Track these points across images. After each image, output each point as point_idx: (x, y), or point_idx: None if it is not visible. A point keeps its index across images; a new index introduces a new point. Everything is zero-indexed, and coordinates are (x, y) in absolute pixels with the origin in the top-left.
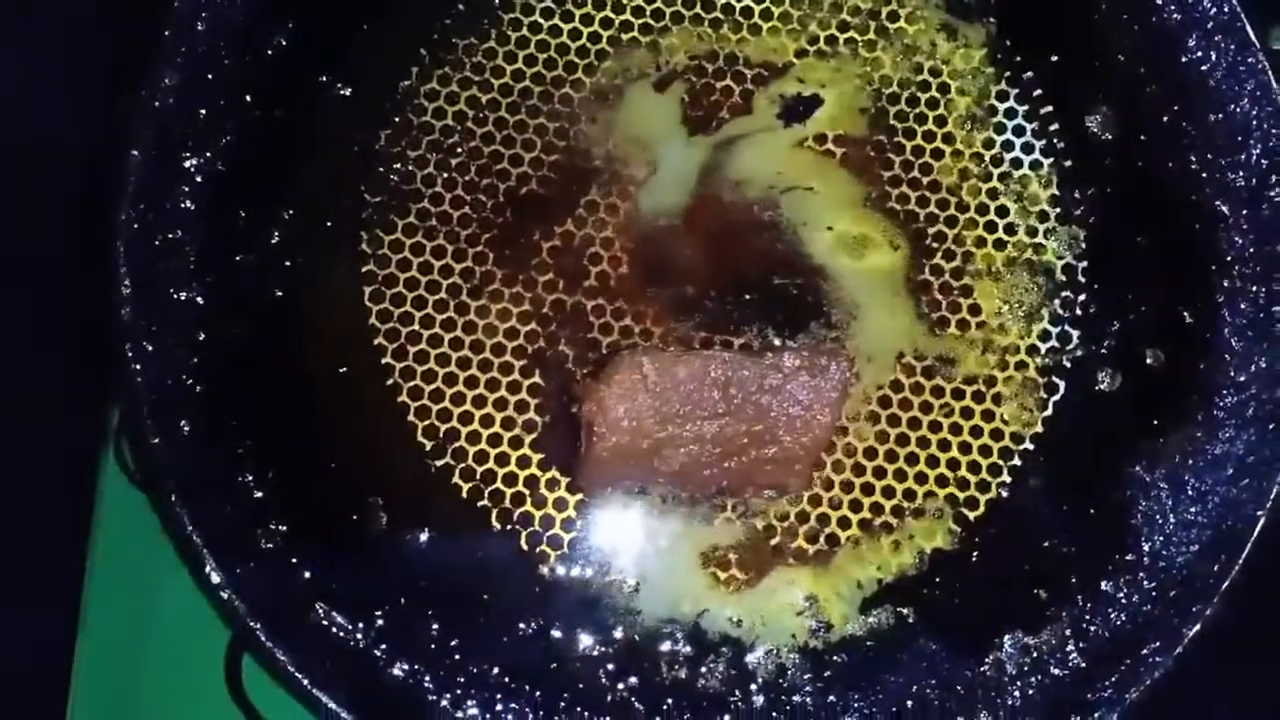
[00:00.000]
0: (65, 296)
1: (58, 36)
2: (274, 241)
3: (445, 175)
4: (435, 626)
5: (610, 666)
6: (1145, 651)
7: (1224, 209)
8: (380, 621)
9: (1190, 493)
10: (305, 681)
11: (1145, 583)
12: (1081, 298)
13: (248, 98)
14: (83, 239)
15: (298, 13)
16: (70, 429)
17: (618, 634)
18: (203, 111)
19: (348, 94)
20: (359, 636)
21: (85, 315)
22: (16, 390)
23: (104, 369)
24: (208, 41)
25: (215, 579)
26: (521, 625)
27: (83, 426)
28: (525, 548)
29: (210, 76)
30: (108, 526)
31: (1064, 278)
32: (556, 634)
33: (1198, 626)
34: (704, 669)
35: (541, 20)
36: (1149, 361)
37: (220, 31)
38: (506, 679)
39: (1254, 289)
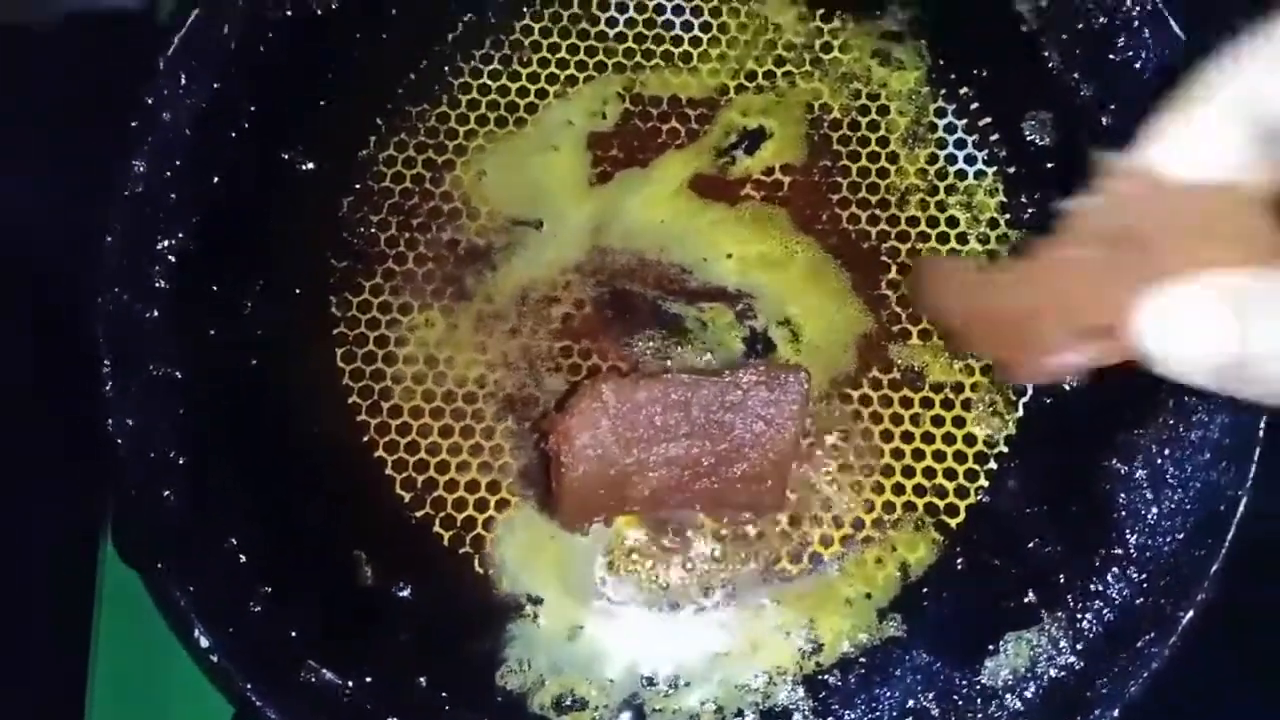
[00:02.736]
0: (58, 382)
1: (30, 137)
2: (246, 313)
3: (406, 235)
4: (423, 679)
5: (602, 706)
6: (1140, 644)
7: None
8: (369, 677)
9: (1170, 480)
10: None
11: (1134, 575)
12: None
13: (215, 179)
14: (70, 325)
15: (258, 96)
16: (69, 513)
17: (609, 673)
18: (172, 195)
19: (310, 167)
20: (349, 692)
21: (77, 401)
22: (15, 475)
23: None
24: (174, 129)
25: (204, 643)
26: (511, 671)
27: (81, 511)
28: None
29: (178, 162)
30: (109, 610)
31: None
32: (545, 679)
33: (1190, 613)
34: (697, 700)
35: (490, 81)
36: None
37: (186, 120)
38: None
39: None
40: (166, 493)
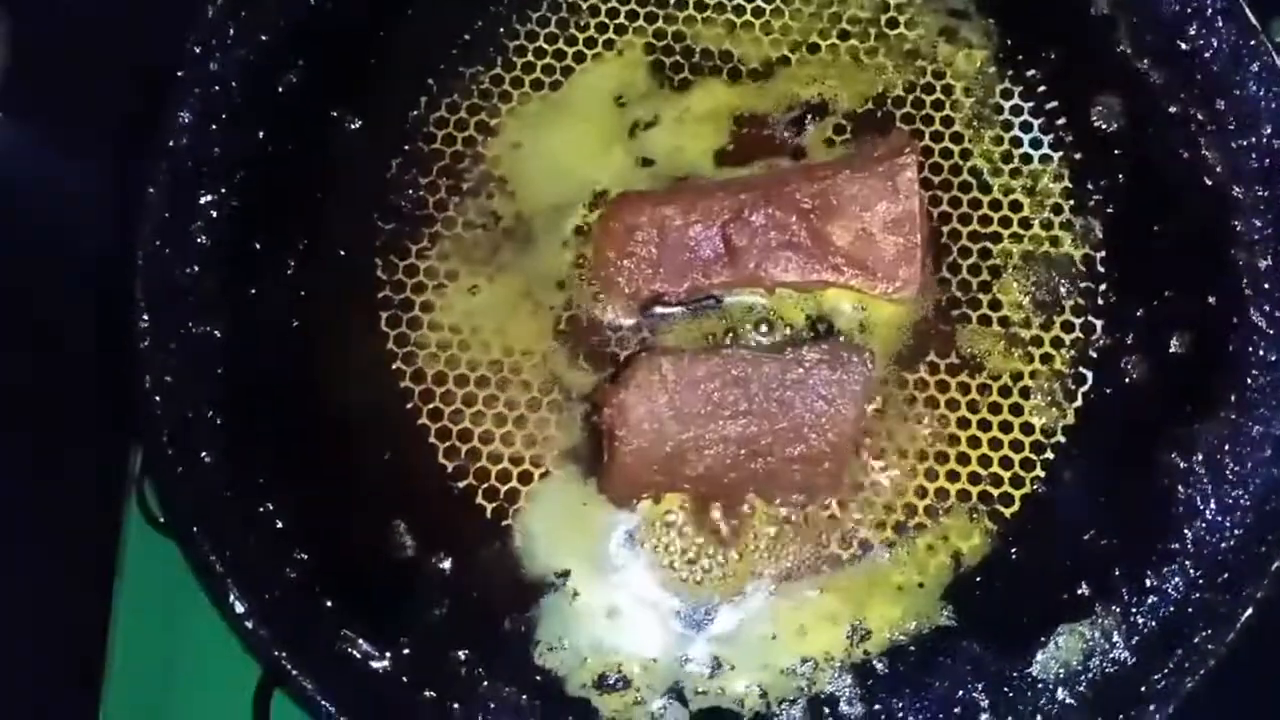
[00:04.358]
0: (88, 348)
1: (74, 84)
2: (289, 272)
3: (456, 200)
4: (461, 652)
5: (644, 687)
6: (1197, 640)
7: (1239, 191)
8: (406, 649)
9: (1230, 476)
10: (333, 709)
11: (1191, 570)
12: (1102, 288)
13: (260, 134)
14: (106, 286)
15: (308, 50)
16: (93, 477)
17: (650, 653)
18: (216, 149)
19: (358, 126)
20: (385, 664)
21: (108, 363)
22: (39, 440)
23: (124, 416)
24: (221, 81)
25: (239, 609)
26: (550, 648)
27: (106, 474)
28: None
29: (224, 115)
30: (132, 574)
31: (1083, 269)
32: (586, 657)
33: (1250, 610)
34: (742, 685)
35: (545, 45)
36: (1176, 347)
37: (233, 71)
38: (537, 702)
39: (1278, 266)
40: (203, 453)
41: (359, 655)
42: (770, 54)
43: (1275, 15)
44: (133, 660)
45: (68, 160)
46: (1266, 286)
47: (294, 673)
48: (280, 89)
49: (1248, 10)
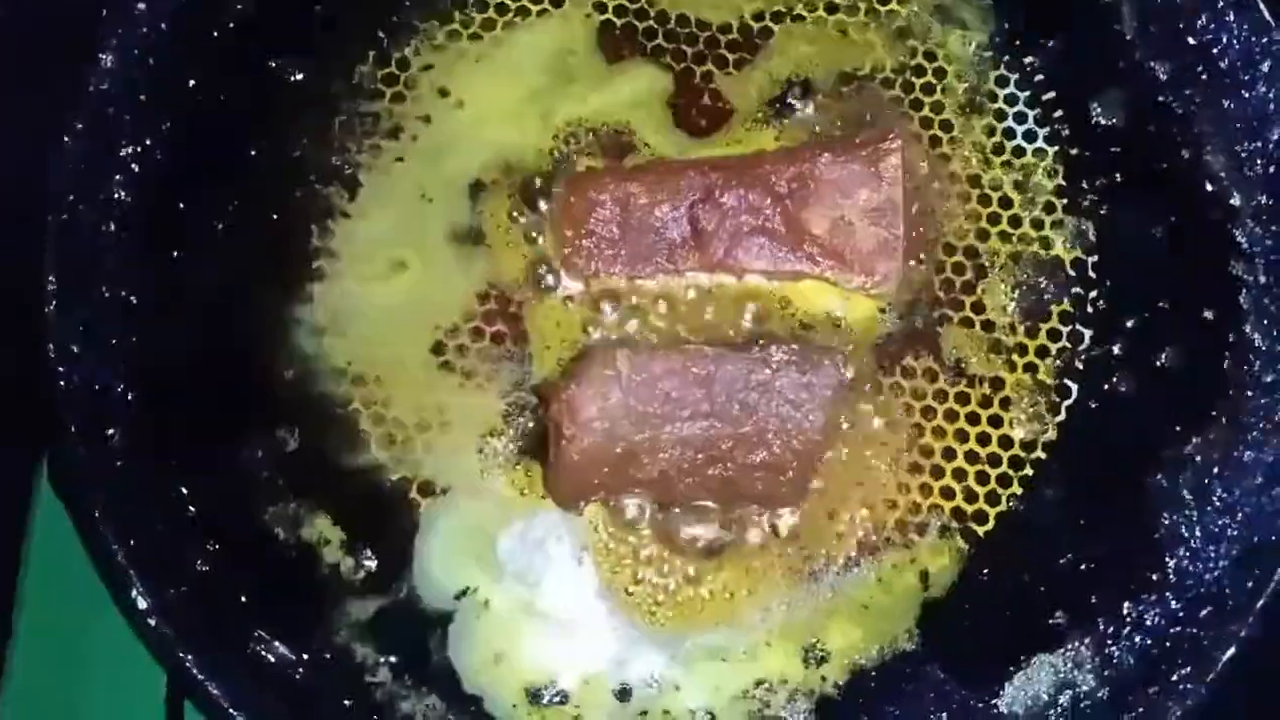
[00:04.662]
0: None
1: None
2: (216, 235)
3: (400, 163)
4: (386, 659)
5: (583, 704)
6: (1175, 678)
7: (1242, 198)
8: (325, 653)
9: (1217, 503)
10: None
11: (1173, 602)
12: (1093, 294)
13: (191, 83)
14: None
15: None
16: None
17: (590, 669)
18: (142, 96)
19: (299, 79)
20: (302, 670)
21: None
22: None
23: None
24: (149, 23)
25: (142, 604)
26: (480, 659)
27: (15, 450)
28: None
29: (151, 59)
30: (38, 565)
31: (1074, 273)
32: (519, 670)
33: (1231, 649)
34: (688, 707)
35: (508, 0)
36: (1168, 362)
37: (163, 12)
38: (465, 717)
39: (1277, 281)
40: (110, 431)
41: (273, 659)
42: (751, 24)
43: None
44: (36, 660)
45: None
46: (1265, 302)
47: (199, 677)
48: (216, 33)
49: (1262, 5)
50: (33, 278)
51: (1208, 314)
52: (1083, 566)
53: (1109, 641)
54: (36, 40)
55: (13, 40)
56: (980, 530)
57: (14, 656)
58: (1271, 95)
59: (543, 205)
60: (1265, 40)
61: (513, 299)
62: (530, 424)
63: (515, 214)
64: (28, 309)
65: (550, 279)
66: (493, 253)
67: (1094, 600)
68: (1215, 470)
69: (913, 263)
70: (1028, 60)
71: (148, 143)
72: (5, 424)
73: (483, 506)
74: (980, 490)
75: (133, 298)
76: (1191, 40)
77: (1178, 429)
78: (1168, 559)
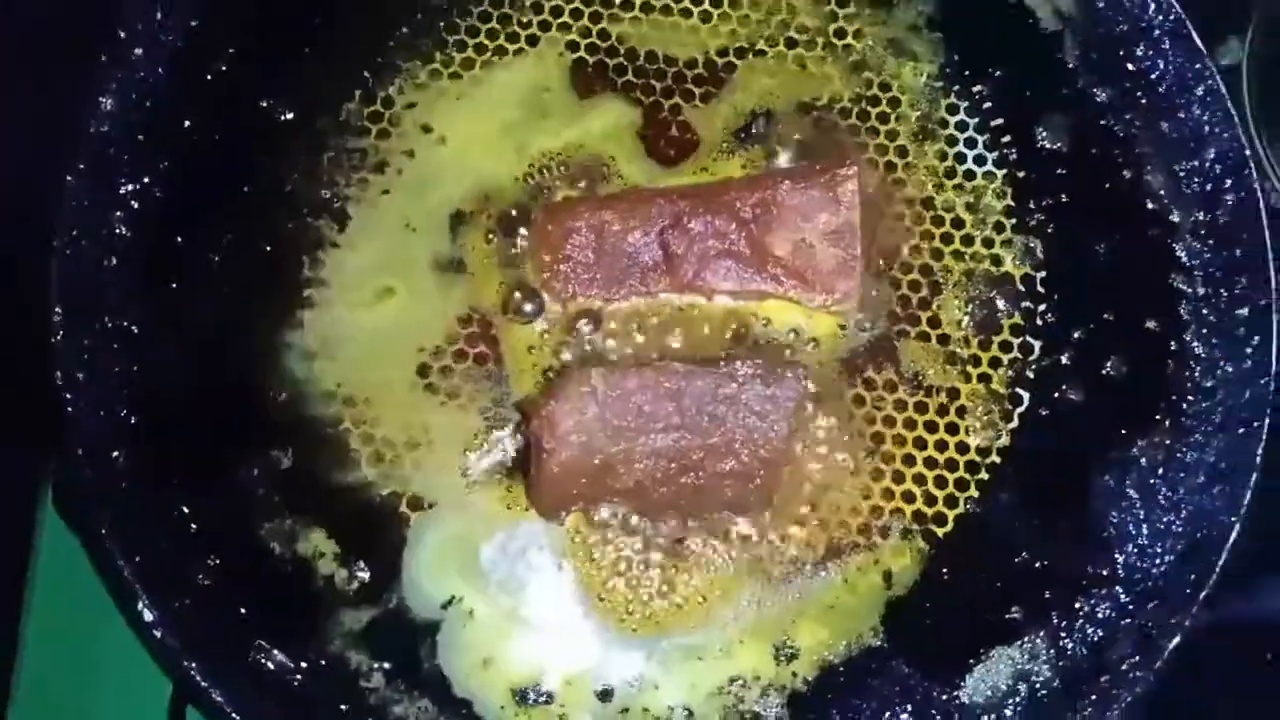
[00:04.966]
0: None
1: None
2: (212, 267)
3: (387, 195)
4: (379, 665)
5: (567, 703)
6: (1125, 666)
7: (1181, 215)
8: (322, 660)
9: (1163, 502)
10: None
11: (1121, 596)
12: (1042, 308)
13: (187, 123)
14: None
15: (241, 39)
16: (9, 472)
17: (573, 669)
18: (140, 136)
19: (290, 117)
20: (300, 677)
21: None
22: None
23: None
24: (147, 67)
25: (148, 616)
26: (469, 663)
27: (22, 471)
28: None
29: (148, 102)
30: (45, 578)
31: (1023, 288)
32: (506, 672)
33: (1177, 638)
34: (667, 703)
35: (486, 41)
36: (1113, 370)
37: (160, 57)
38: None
39: (1215, 293)
40: (115, 453)
41: (272, 666)
42: (715, 59)
43: (1221, 40)
44: (44, 669)
45: None
46: (1204, 313)
47: (203, 684)
48: (210, 77)
49: (1194, 34)
50: (35, 282)
51: (1150, 324)
52: (1037, 564)
53: (1062, 634)
54: (37, 40)
55: (13, 40)
56: (940, 532)
57: (22, 667)
58: (1206, 118)
59: (520, 233)
60: (1198, 67)
61: (492, 322)
62: (511, 440)
63: (494, 241)
64: (29, 310)
65: (527, 303)
66: (473, 279)
67: (1048, 596)
68: (1160, 471)
69: (872, 281)
70: (976, 89)
71: (146, 180)
72: (10, 432)
73: (466, 519)
74: (939, 494)
75: (134, 327)
76: (1130, 67)
77: (1124, 433)
78: (1116, 555)
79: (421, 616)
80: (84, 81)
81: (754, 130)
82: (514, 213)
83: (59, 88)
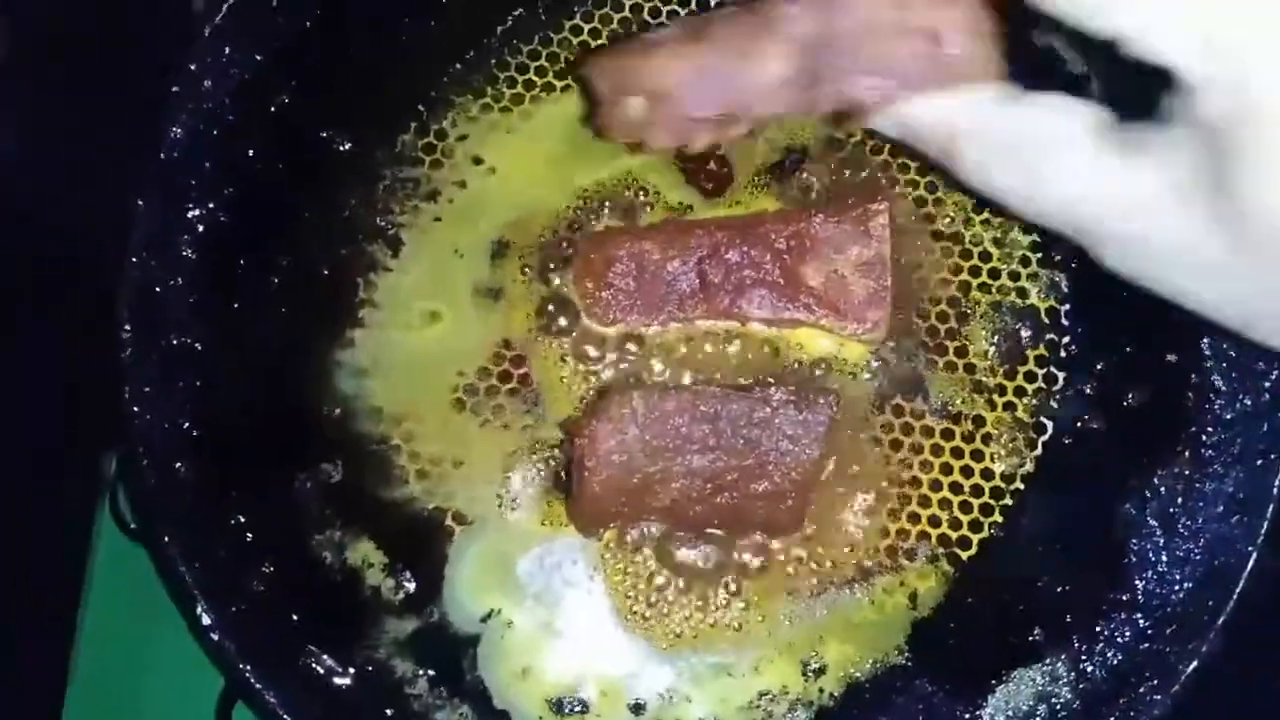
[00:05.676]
0: (61, 351)
1: (69, 97)
2: (271, 288)
3: (438, 223)
4: (424, 673)
5: (602, 713)
6: (1143, 690)
7: None
8: (369, 666)
9: (1182, 530)
10: None
11: (1140, 621)
12: (1066, 339)
13: (251, 152)
14: (83, 292)
15: (301, 72)
16: (66, 482)
17: (608, 680)
18: (207, 164)
19: (347, 148)
20: (347, 681)
21: (82, 369)
22: (12, 443)
23: (99, 423)
24: (214, 98)
25: (206, 620)
26: (509, 672)
27: (79, 480)
28: None
29: (215, 132)
30: (101, 580)
31: (1048, 320)
32: (544, 682)
33: (1194, 663)
34: (698, 715)
35: (535, 78)
36: (1135, 401)
37: (227, 89)
38: None
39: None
40: (178, 464)
41: (321, 671)
42: None
43: None
44: (97, 667)
45: (56, 167)
46: (1224, 347)
47: (257, 686)
48: (273, 108)
49: None
50: (100, 323)
51: (1171, 357)
52: (1059, 588)
53: (1083, 657)
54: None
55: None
56: (965, 555)
57: (79, 657)
58: None
59: (563, 261)
60: None
61: (531, 347)
62: (548, 460)
63: (536, 269)
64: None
65: (568, 328)
66: (514, 305)
67: (1069, 619)
68: (1180, 500)
69: (901, 312)
70: None
71: (211, 206)
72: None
73: (505, 536)
74: (964, 519)
75: (197, 344)
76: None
77: (1145, 462)
78: (1136, 581)
79: (463, 631)
80: (152, 113)
81: (788, 166)
82: (558, 241)
83: (133, 116)
